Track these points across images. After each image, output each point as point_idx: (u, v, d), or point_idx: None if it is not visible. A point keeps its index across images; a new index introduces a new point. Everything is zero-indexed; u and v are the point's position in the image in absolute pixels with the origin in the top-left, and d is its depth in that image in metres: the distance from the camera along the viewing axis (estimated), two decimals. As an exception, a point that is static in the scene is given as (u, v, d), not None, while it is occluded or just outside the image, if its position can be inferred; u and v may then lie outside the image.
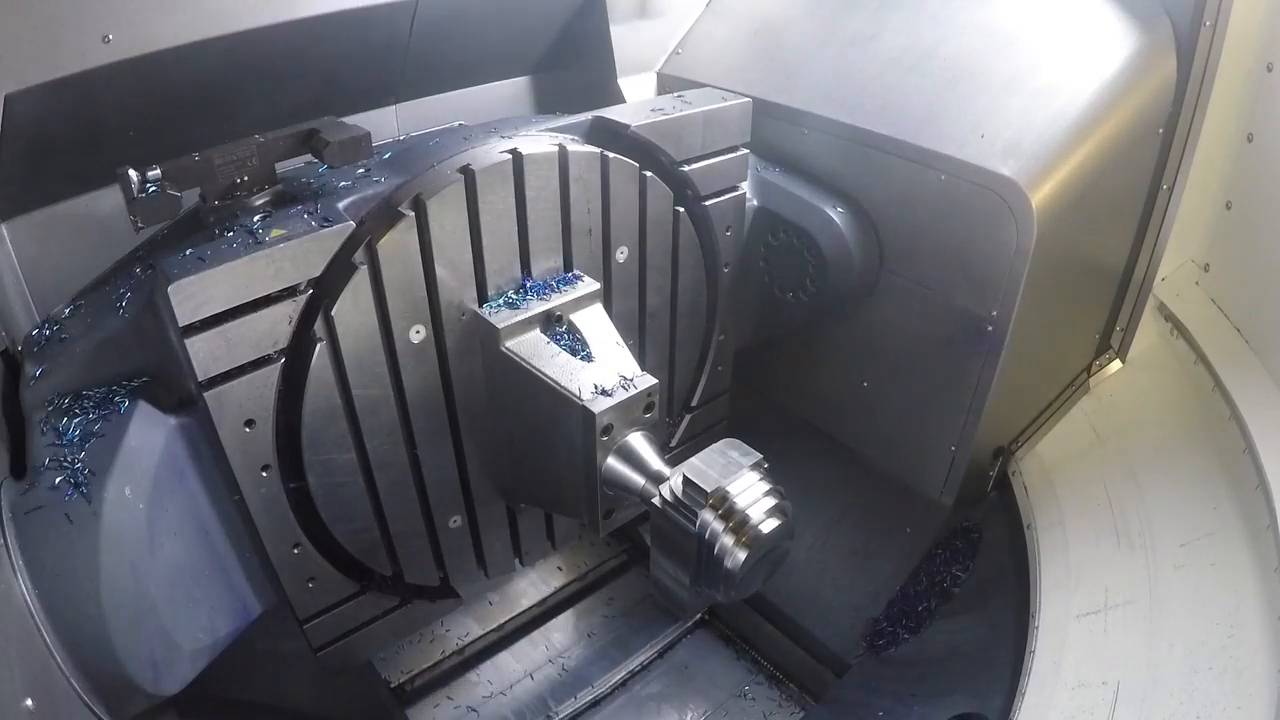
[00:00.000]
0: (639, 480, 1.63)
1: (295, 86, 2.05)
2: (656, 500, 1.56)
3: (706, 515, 1.49)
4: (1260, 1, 2.00)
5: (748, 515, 1.49)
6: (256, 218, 1.59)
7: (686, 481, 1.50)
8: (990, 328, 1.95)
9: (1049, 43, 2.02)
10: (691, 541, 1.51)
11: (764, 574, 1.58)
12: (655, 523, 1.59)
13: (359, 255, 1.60)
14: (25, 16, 1.56)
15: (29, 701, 1.32)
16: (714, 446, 1.57)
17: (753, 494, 1.52)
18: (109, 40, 1.64)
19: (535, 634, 2.70)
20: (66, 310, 1.82)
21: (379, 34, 2.08)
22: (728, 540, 1.49)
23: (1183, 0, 1.98)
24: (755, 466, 1.54)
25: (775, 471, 1.59)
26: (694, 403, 2.43)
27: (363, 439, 1.75)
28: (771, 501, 1.53)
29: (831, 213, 2.14)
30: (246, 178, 1.62)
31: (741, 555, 1.48)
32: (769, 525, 1.50)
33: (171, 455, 1.61)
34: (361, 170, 1.75)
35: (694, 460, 1.54)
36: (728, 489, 1.50)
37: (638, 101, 2.20)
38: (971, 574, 2.27)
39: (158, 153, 1.54)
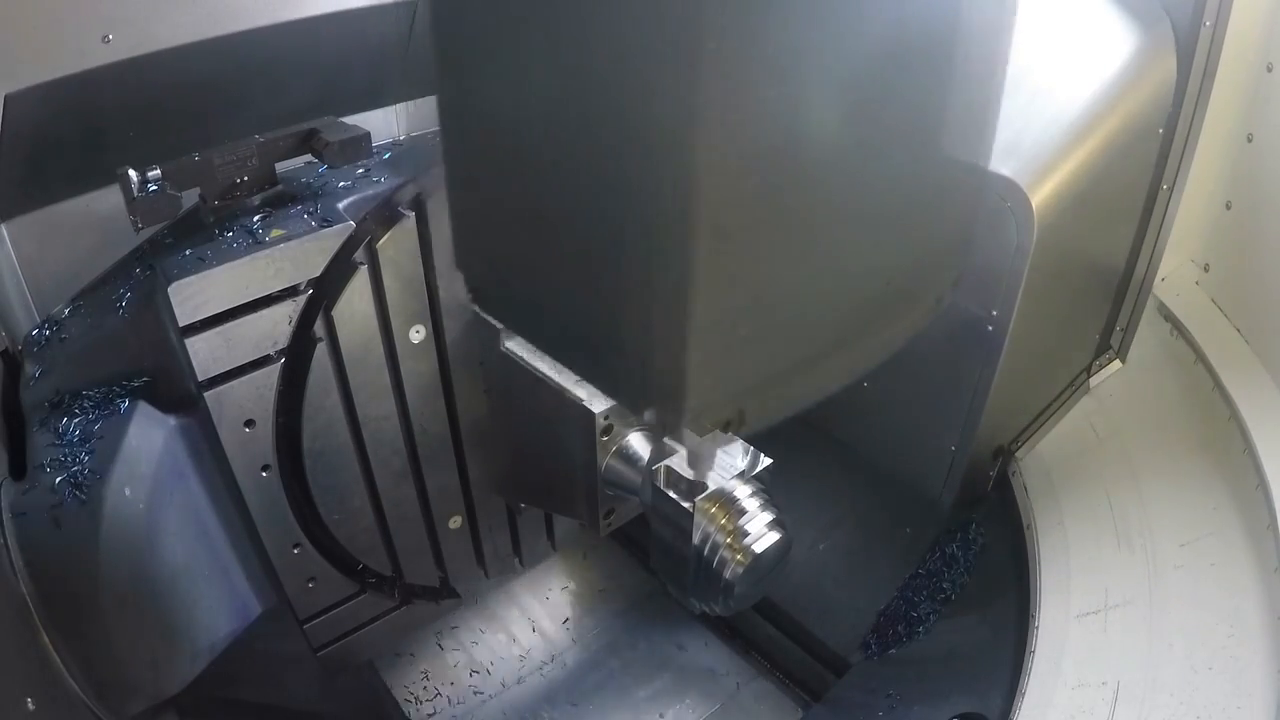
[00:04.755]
0: (639, 480, 1.63)
1: (295, 86, 2.05)
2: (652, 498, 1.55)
3: (707, 526, 1.48)
4: (1260, 1, 2.00)
5: (747, 528, 1.49)
6: (256, 218, 1.59)
7: (669, 473, 1.49)
8: (990, 328, 1.95)
9: (1049, 42, 2.02)
10: (688, 544, 1.50)
11: (760, 588, 1.57)
12: (654, 527, 1.59)
13: (359, 255, 1.60)
14: (25, 16, 1.56)
15: (29, 702, 1.32)
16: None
17: (753, 504, 1.51)
18: (109, 40, 1.64)
19: (535, 634, 2.69)
20: (66, 310, 1.82)
21: (379, 34, 2.08)
22: (727, 553, 1.48)
23: (1183, 0, 1.98)
24: (749, 476, 1.53)
25: (775, 471, 1.58)
26: (694, 403, 2.43)
27: (362, 439, 1.75)
28: (771, 515, 1.52)
29: (831, 213, 2.13)
30: (246, 178, 1.62)
31: (740, 568, 1.47)
32: (770, 539, 1.49)
33: (171, 455, 1.61)
34: (361, 170, 1.75)
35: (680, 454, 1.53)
36: (730, 494, 1.49)
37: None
38: (970, 578, 2.27)
39: (158, 153, 1.54)
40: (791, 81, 0.85)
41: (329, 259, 1.58)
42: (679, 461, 1.52)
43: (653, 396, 0.97)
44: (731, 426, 1.01)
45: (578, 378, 1.67)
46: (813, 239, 0.96)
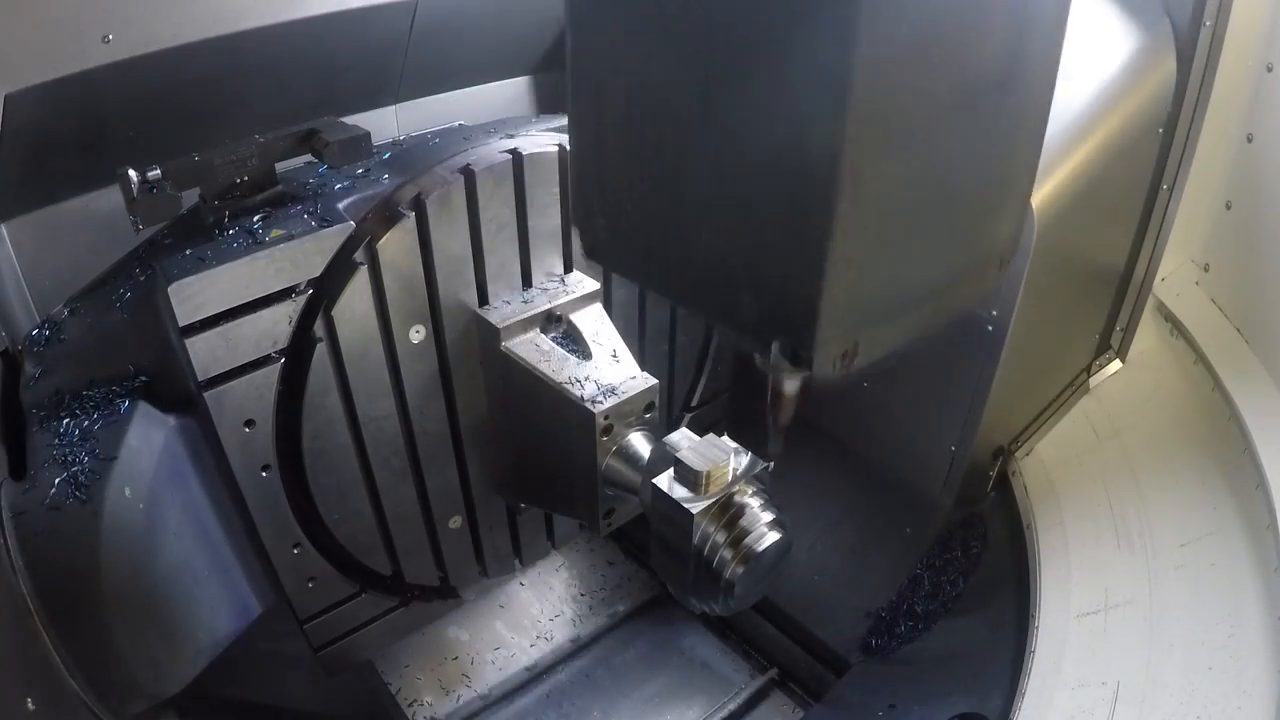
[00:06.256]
0: (639, 480, 1.63)
1: (295, 86, 2.05)
2: (651, 498, 1.55)
3: (707, 526, 1.48)
4: (1260, 1, 2.00)
5: (747, 529, 1.49)
6: (256, 218, 1.59)
7: (678, 466, 1.50)
8: (990, 328, 1.95)
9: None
10: (687, 544, 1.50)
11: (760, 588, 1.57)
12: (654, 527, 1.59)
13: (359, 255, 1.60)
14: (25, 16, 1.56)
15: (29, 702, 1.32)
16: (704, 439, 1.57)
17: (753, 504, 1.51)
18: (109, 40, 1.64)
19: (535, 634, 2.70)
20: (66, 311, 1.82)
21: (379, 34, 2.08)
22: (727, 553, 1.48)
23: (1183, 0, 1.98)
24: (749, 476, 1.54)
25: (775, 471, 1.58)
26: (694, 403, 2.43)
27: (362, 439, 1.75)
28: (771, 515, 1.52)
29: (831, 213, 2.13)
30: (246, 178, 1.62)
31: (740, 568, 1.47)
32: (770, 538, 1.49)
33: (171, 455, 1.61)
34: (361, 170, 1.75)
35: (686, 450, 1.53)
36: (732, 496, 1.49)
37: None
38: (970, 579, 2.27)
39: (158, 153, 1.54)
40: (919, 68, 1.02)
41: (329, 259, 1.58)
42: (681, 456, 1.52)
43: (787, 327, 1.14)
44: (848, 357, 1.17)
45: (576, 378, 1.67)
46: (920, 201, 1.14)
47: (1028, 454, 2.29)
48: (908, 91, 1.02)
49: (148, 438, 1.58)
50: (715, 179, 1.14)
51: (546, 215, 1.80)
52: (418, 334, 1.73)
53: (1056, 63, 1.28)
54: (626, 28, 1.15)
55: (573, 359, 1.72)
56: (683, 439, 1.59)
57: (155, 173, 1.51)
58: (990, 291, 1.41)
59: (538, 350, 1.74)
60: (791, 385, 1.30)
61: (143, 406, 1.60)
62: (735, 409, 2.57)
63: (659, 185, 1.21)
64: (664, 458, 1.56)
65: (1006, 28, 1.13)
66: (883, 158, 1.04)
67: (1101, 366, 2.40)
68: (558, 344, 1.77)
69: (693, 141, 1.14)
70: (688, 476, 1.48)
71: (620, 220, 1.31)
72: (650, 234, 1.27)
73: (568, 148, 1.77)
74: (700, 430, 1.59)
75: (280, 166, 1.68)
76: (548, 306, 1.79)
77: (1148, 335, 2.37)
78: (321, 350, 1.61)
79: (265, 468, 1.65)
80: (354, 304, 1.62)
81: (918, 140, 1.08)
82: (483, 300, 1.78)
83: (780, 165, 1.06)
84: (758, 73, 1.04)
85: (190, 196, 1.58)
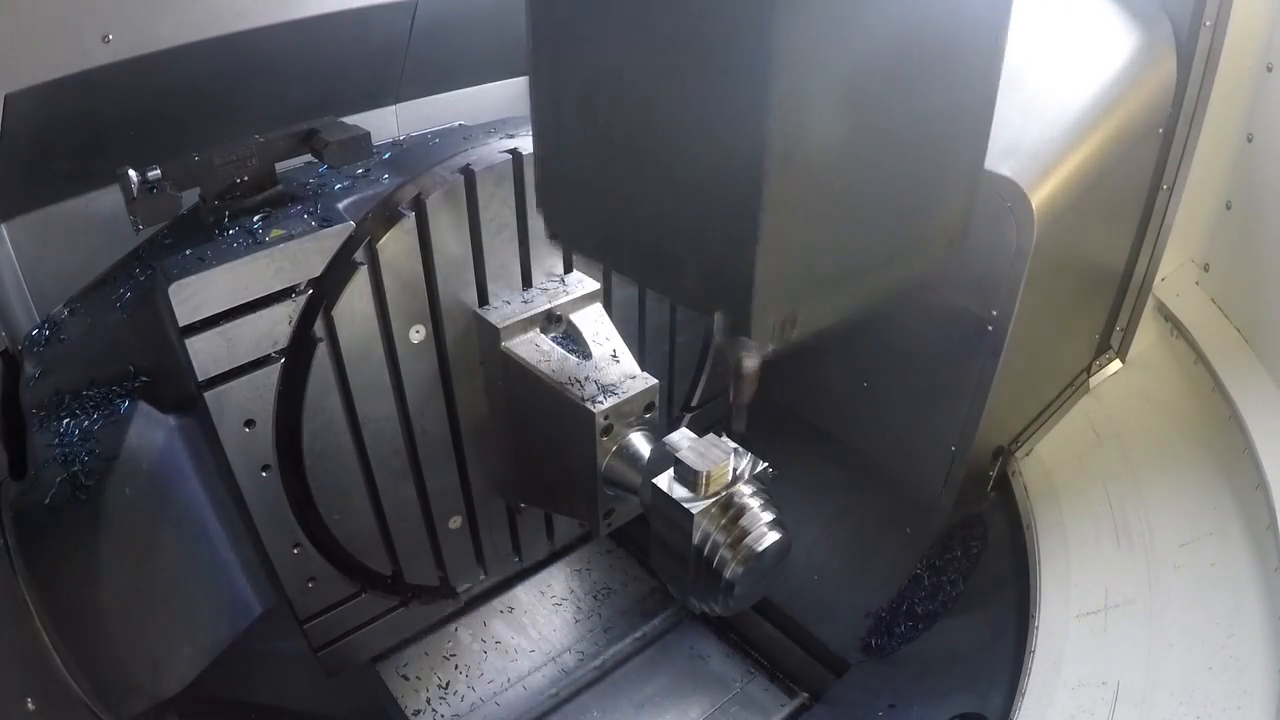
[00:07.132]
0: (639, 481, 1.63)
1: (295, 86, 2.05)
2: (650, 498, 1.55)
3: (707, 526, 1.48)
4: (1260, 1, 2.00)
5: (747, 529, 1.48)
6: (256, 218, 1.59)
7: (678, 465, 1.50)
8: (990, 328, 1.95)
9: (1049, 42, 2.02)
10: (687, 544, 1.50)
11: (760, 588, 1.57)
12: (654, 527, 1.59)
13: (359, 255, 1.60)
14: (25, 16, 1.56)
15: (29, 702, 1.33)
16: (704, 439, 1.57)
17: (753, 504, 1.51)
18: (109, 40, 1.65)
19: (534, 634, 2.70)
20: (66, 311, 1.82)
21: (379, 34, 2.08)
22: (727, 553, 1.48)
23: (1183, 0, 1.98)
24: (752, 478, 1.54)
25: (775, 471, 1.58)
26: (694, 403, 2.43)
27: (362, 439, 1.75)
28: (771, 515, 1.52)
29: (831, 213, 2.13)
30: (246, 178, 1.62)
31: (740, 568, 1.47)
32: (770, 538, 1.49)
33: (171, 455, 1.61)
34: (361, 170, 1.76)
35: (685, 450, 1.53)
36: (730, 495, 1.49)
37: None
38: (970, 579, 2.27)
39: (158, 153, 1.54)
40: (849, 45, 1.06)
41: (329, 259, 1.58)
42: (681, 456, 1.52)
43: (726, 299, 1.19)
44: (786, 327, 1.21)
45: (576, 378, 1.67)
46: (854, 177, 1.18)
47: (1028, 454, 2.29)
48: (833, 71, 1.06)
49: (148, 438, 1.58)
50: (662, 159, 1.19)
51: (546, 215, 1.80)
52: (418, 334, 1.73)
53: (1002, 41, 1.29)
54: (581, 13, 1.21)
55: (573, 359, 1.72)
56: (683, 439, 1.59)
57: (155, 173, 1.51)
58: (936, 269, 1.46)
59: (538, 350, 1.75)
60: (751, 363, 1.33)
61: (143, 406, 1.60)
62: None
63: (612, 166, 1.27)
64: (664, 458, 1.56)
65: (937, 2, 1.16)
66: (811, 136, 1.08)
67: (1101, 366, 2.40)
68: (558, 344, 1.77)
69: (641, 123, 1.19)
70: (688, 476, 1.48)
71: (579, 201, 1.37)
72: (606, 213, 1.34)
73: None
74: (700, 430, 1.59)
75: (280, 166, 1.68)
76: (548, 306, 1.79)
77: (1148, 335, 2.37)
78: (322, 350, 1.61)
79: (265, 468, 1.65)
80: (354, 304, 1.62)
81: (848, 120, 1.12)
82: (483, 300, 1.78)
83: (715, 144, 1.11)
84: (692, 51, 1.08)
85: (190, 196, 1.58)
